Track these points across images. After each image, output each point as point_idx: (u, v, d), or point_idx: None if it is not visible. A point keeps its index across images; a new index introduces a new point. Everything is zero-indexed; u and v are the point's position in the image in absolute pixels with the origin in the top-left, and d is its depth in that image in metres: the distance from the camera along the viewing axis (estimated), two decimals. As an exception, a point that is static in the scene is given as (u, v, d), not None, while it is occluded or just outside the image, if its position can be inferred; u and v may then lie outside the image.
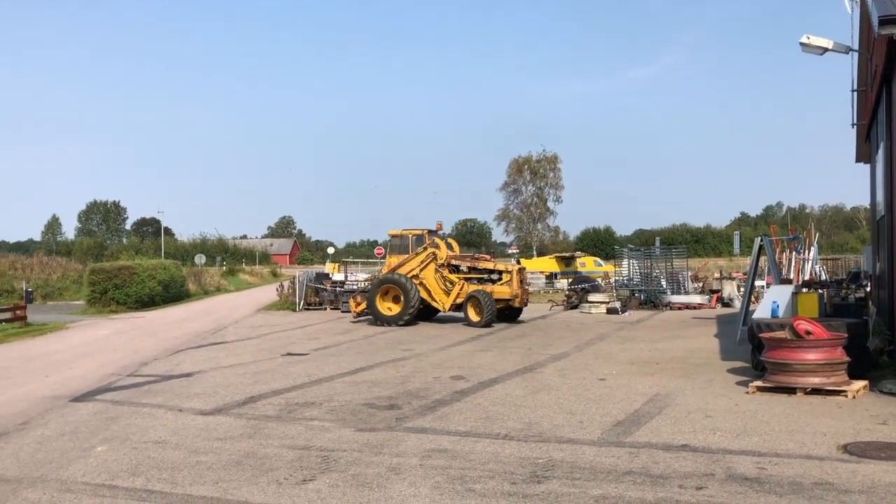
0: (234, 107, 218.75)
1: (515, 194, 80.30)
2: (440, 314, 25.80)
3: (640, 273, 33.55)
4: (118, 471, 7.79)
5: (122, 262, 39.88)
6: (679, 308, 29.45)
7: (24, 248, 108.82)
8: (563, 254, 52.10)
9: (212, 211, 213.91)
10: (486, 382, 12.80)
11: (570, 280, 41.14)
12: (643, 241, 73.26)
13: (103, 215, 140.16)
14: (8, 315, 26.92)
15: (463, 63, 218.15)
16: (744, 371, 13.32)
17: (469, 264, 25.62)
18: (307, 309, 32.56)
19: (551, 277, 45.83)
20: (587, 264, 47.97)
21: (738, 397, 11.02)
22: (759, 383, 11.32)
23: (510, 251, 69.98)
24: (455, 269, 25.28)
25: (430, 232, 26.36)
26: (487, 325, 23.06)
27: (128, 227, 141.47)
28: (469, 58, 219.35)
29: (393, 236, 26.69)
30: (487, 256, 30.28)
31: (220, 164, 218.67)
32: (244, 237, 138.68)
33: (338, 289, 34.09)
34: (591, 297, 29.72)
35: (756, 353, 12.61)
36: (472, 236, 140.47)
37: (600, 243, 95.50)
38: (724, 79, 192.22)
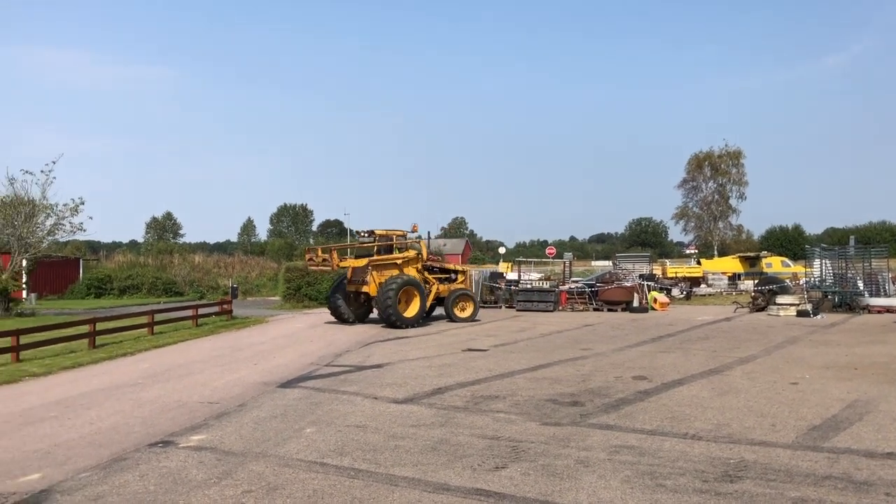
0: (409, 115, 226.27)
1: (695, 191, 76.61)
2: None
3: (834, 274, 31.47)
4: (326, 450, 8.54)
5: (312, 261, 42.18)
6: (879, 311, 27.42)
7: (222, 248, 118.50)
8: (748, 253, 49.58)
9: (388, 212, 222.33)
10: (670, 383, 12.67)
11: (755, 281, 39.23)
12: (835, 240, 68.21)
13: (292, 217, 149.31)
14: (216, 309, 29.63)
15: (642, 57, 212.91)
16: (958, 380, 12.32)
17: (438, 265, 27.84)
18: (482, 307, 33.25)
19: (734, 278, 43.88)
20: (773, 264, 45.39)
21: (952, 407, 10.25)
22: (976, 393, 10.47)
23: (688, 251, 67.02)
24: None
25: (410, 233, 27.91)
26: (472, 319, 26.20)
27: (314, 228, 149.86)
28: (648, 51, 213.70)
29: (380, 236, 27.19)
30: (440, 257, 31.61)
31: (397, 168, 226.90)
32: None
33: (511, 287, 34.64)
34: (780, 299, 28.30)
35: (973, 361, 11.63)
36: (646, 236, 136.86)
37: (788, 242, 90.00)
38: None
